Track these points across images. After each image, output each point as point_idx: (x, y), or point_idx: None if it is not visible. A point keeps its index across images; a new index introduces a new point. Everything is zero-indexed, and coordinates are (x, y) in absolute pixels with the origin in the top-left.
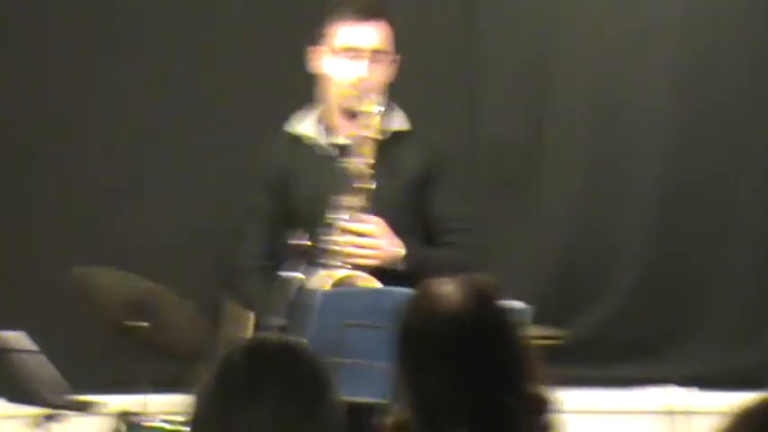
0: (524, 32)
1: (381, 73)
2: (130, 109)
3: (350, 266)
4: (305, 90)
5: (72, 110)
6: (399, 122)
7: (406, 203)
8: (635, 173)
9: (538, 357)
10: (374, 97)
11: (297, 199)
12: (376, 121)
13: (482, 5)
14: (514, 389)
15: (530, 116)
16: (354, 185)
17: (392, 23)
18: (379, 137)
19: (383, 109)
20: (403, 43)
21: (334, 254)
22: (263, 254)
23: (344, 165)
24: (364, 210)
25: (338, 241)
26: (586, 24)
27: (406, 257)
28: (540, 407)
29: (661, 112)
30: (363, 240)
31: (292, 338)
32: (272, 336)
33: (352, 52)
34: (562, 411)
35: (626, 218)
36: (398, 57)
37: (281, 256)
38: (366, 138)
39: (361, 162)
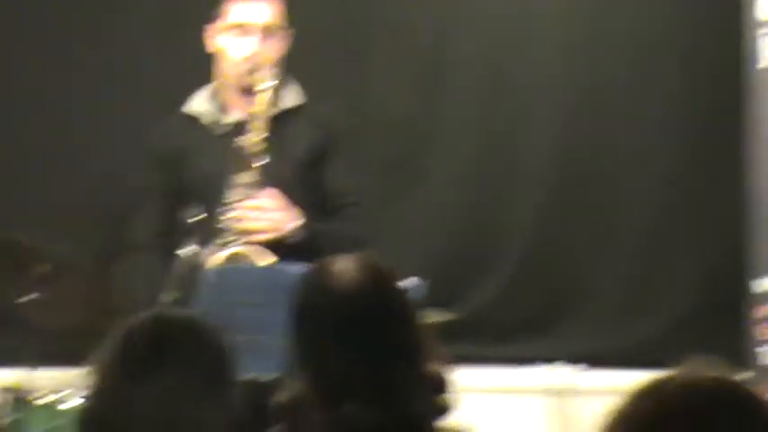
0: (417, 8)
1: (273, 48)
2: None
3: (244, 243)
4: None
5: None
6: (292, 98)
7: (298, 180)
8: (524, 151)
9: (433, 335)
10: (266, 73)
11: (191, 177)
12: (267, 96)
13: None
14: (410, 365)
15: (420, 92)
16: (247, 162)
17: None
18: (271, 112)
19: (274, 83)
20: (295, 17)
21: (230, 230)
22: (159, 231)
23: (237, 142)
24: (258, 185)
25: (233, 217)
26: (482, 4)
27: (304, 227)
28: (436, 384)
29: (552, 91)
30: (257, 214)
31: (187, 312)
32: (177, 310)
33: (243, 29)
34: (456, 390)
35: (513, 196)
36: (290, 31)
37: (177, 233)
38: (257, 114)
39: (253, 138)
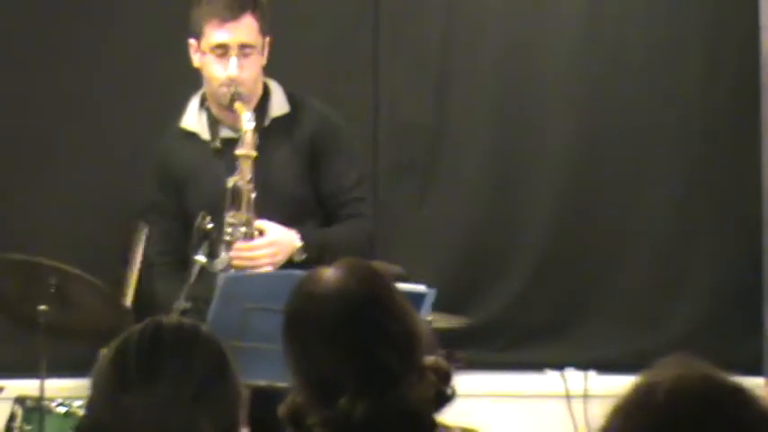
0: (429, 15)
1: (252, 65)
2: (25, 108)
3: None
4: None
5: None
6: (278, 106)
7: (295, 194)
8: (538, 158)
9: (433, 334)
10: (245, 103)
11: (192, 201)
12: (249, 139)
13: None
14: (404, 357)
15: (433, 99)
16: (237, 201)
17: (261, 9)
18: (254, 153)
19: (253, 124)
20: (309, 28)
21: (228, 269)
22: (168, 250)
23: (226, 185)
24: (249, 222)
25: (231, 257)
26: (492, 7)
27: (305, 248)
28: (435, 376)
29: (565, 100)
30: (252, 254)
31: (190, 321)
32: (169, 318)
33: (221, 50)
34: (457, 388)
35: (527, 203)
36: (269, 39)
37: (186, 247)
38: (242, 156)
39: (241, 180)
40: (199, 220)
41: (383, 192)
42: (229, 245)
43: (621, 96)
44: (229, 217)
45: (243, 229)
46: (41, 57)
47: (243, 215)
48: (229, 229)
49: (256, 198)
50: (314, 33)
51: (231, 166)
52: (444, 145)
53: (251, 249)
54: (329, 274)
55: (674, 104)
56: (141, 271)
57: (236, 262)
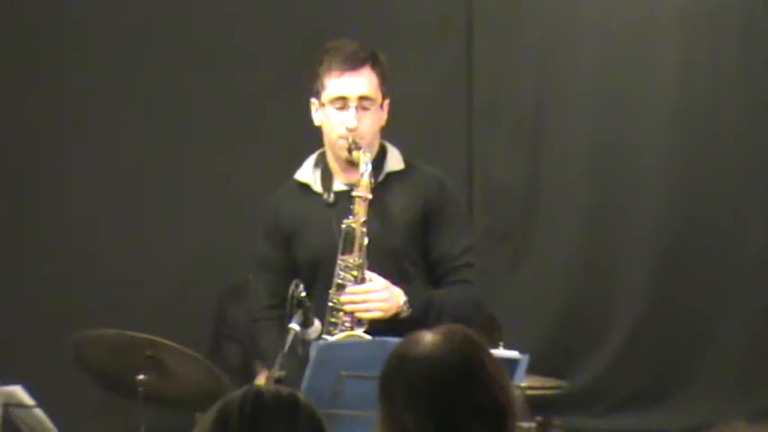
0: (523, 79)
1: (371, 119)
2: (124, 163)
3: (354, 324)
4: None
5: (61, 174)
6: (394, 163)
7: (404, 249)
8: (633, 221)
9: (527, 401)
10: (364, 151)
11: (302, 253)
12: (366, 181)
13: (481, 52)
14: (488, 429)
15: (527, 163)
16: (352, 244)
17: (381, 67)
18: (370, 196)
19: (370, 168)
20: (403, 92)
21: (340, 311)
22: (275, 304)
23: (341, 226)
24: (361, 267)
25: (339, 300)
26: (584, 72)
27: (410, 303)
28: None
29: (660, 159)
30: (364, 297)
31: (288, 390)
32: (269, 387)
33: (340, 102)
34: None
35: (624, 267)
36: (388, 101)
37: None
38: (358, 197)
39: (356, 222)
40: (292, 287)
41: (477, 257)
42: (340, 287)
43: (716, 163)
44: (341, 260)
45: (354, 273)
46: (140, 109)
47: (355, 258)
48: (341, 273)
49: (371, 241)
50: (408, 98)
51: (343, 218)
52: (539, 210)
53: (365, 292)
54: (427, 337)
55: (765, 177)
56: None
57: (348, 306)
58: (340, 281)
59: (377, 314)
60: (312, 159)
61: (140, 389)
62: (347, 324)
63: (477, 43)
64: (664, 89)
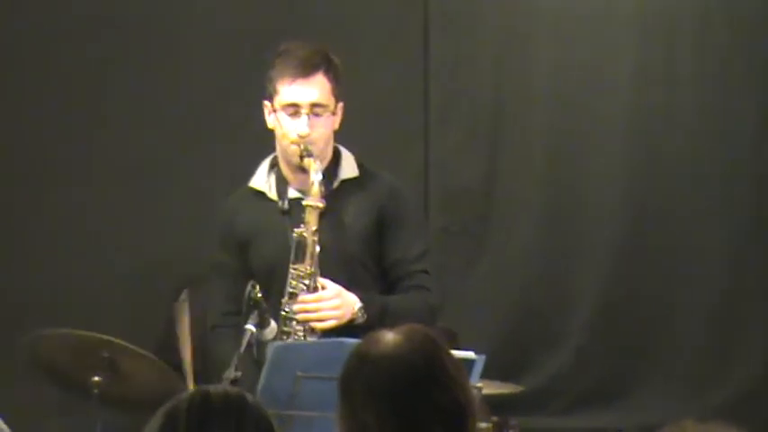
0: (479, 78)
1: (323, 126)
2: (94, 160)
3: (302, 335)
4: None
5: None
6: (348, 170)
7: (358, 256)
8: (590, 219)
9: (484, 401)
10: (314, 159)
11: (255, 260)
12: (316, 189)
13: (437, 49)
14: (448, 429)
15: (484, 161)
16: (304, 252)
17: (334, 71)
18: (321, 205)
19: (320, 177)
20: (359, 91)
21: (292, 319)
22: (231, 311)
23: (292, 235)
24: (313, 275)
25: (292, 309)
26: (541, 69)
27: (364, 309)
28: None
29: (617, 156)
30: (317, 306)
31: (236, 390)
32: (216, 387)
33: (292, 109)
34: None
35: (579, 268)
36: (342, 104)
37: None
38: (309, 206)
39: (307, 231)
40: (249, 288)
41: (434, 256)
42: (292, 296)
43: (672, 161)
44: (293, 269)
45: (306, 282)
46: (100, 115)
47: (307, 267)
48: (293, 282)
49: (320, 254)
50: (364, 100)
51: (297, 226)
52: (495, 210)
53: (317, 301)
54: (387, 336)
55: (724, 167)
56: (194, 340)
57: (300, 315)
58: (292, 290)
59: (331, 323)
60: (266, 165)
61: (95, 390)
62: (300, 333)
63: (434, 40)
64: (620, 86)
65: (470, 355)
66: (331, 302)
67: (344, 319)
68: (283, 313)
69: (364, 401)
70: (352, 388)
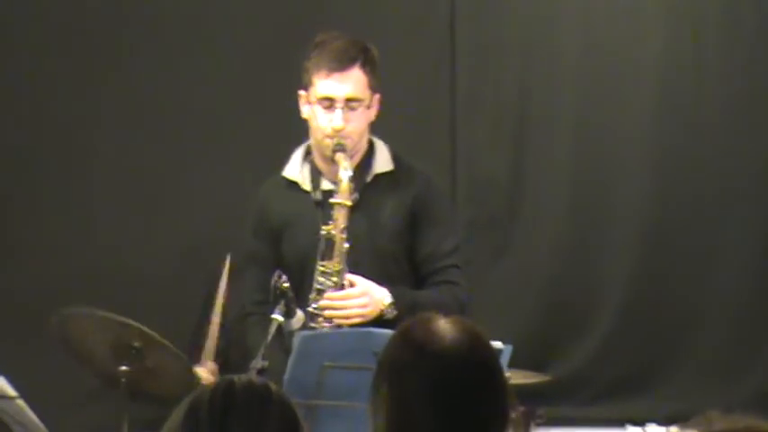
0: (506, 72)
1: (358, 119)
2: (123, 151)
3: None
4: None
5: (55, 162)
6: (382, 164)
7: (390, 251)
8: (618, 209)
9: (512, 391)
10: (346, 156)
11: (287, 250)
12: (346, 187)
13: (464, 45)
14: (494, 426)
15: (511, 152)
16: (330, 250)
17: (371, 64)
18: (349, 203)
19: (350, 173)
20: (386, 82)
21: (316, 319)
22: (264, 299)
23: (321, 233)
24: (341, 273)
25: (320, 306)
26: (568, 59)
27: (395, 304)
28: None
29: (645, 146)
30: (344, 304)
31: (262, 380)
32: (241, 377)
33: (327, 102)
34: None
35: (606, 258)
36: (378, 96)
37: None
38: (338, 204)
39: (335, 228)
40: (275, 278)
41: (462, 248)
42: (320, 293)
43: (698, 157)
44: (321, 266)
45: (334, 279)
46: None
47: (335, 264)
48: (321, 278)
49: (349, 249)
50: (391, 90)
51: (329, 217)
52: (523, 200)
53: (343, 299)
54: (442, 328)
55: (750, 165)
56: (225, 316)
57: (326, 312)
58: (319, 286)
59: (356, 320)
60: (299, 154)
61: (123, 380)
62: (326, 331)
63: (460, 32)
64: (648, 76)
65: (498, 345)
66: (358, 300)
67: (371, 317)
68: (310, 310)
69: (418, 393)
70: (403, 379)
